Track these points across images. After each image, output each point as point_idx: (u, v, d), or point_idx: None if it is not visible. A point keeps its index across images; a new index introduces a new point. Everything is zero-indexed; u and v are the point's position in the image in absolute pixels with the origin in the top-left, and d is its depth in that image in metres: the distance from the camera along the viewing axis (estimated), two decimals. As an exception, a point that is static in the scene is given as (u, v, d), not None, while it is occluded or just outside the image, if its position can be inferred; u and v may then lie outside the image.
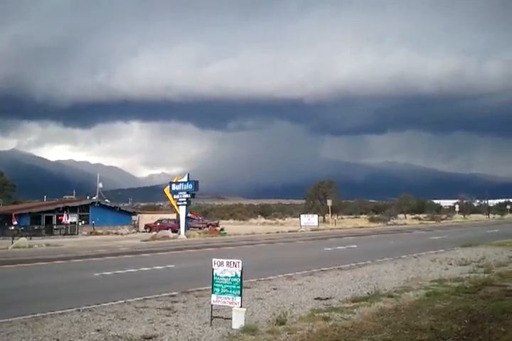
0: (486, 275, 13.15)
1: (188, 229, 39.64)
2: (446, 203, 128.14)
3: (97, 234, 43.69)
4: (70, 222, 45.29)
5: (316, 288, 11.55)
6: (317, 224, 51.99)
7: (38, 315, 8.77)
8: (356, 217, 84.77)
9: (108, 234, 43.91)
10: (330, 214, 60.34)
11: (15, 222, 36.86)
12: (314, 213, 59.54)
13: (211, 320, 7.94)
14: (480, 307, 8.76)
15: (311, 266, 15.99)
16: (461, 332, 7.04)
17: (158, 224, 49.24)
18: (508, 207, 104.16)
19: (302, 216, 54.29)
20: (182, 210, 38.49)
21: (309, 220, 52.08)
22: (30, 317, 8.60)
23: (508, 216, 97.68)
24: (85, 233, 44.08)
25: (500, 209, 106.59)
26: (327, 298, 10.18)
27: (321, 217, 62.62)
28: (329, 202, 56.54)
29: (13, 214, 38.76)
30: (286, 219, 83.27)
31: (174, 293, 11.04)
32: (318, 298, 10.21)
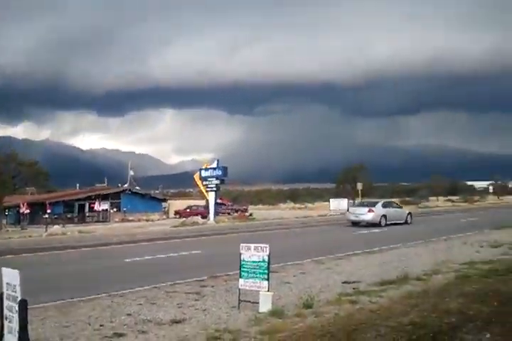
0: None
1: (217, 214, 39.91)
2: (479, 185, 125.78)
3: (128, 220, 44.46)
4: (102, 210, 46.28)
5: (344, 272, 11.53)
6: (347, 208, 51.59)
7: (70, 300, 9.01)
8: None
9: (139, 220, 44.64)
10: (360, 198, 59.81)
11: (48, 211, 37.84)
12: (344, 197, 59.12)
13: (239, 303, 8.02)
14: (511, 289, 8.58)
15: (339, 250, 15.95)
16: (490, 314, 6.91)
17: (188, 210, 49.85)
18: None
19: (331, 200, 54.05)
20: (211, 196, 38.66)
21: (339, 204, 51.78)
22: (63, 302, 8.86)
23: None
24: (117, 220, 45.01)
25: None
26: (355, 282, 10.15)
27: (351, 201, 62.15)
28: (359, 186, 55.98)
29: (47, 203, 39.83)
30: (316, 203, 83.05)
31: (203, 278, 11.16)
32: (345, 282, 10.18)
